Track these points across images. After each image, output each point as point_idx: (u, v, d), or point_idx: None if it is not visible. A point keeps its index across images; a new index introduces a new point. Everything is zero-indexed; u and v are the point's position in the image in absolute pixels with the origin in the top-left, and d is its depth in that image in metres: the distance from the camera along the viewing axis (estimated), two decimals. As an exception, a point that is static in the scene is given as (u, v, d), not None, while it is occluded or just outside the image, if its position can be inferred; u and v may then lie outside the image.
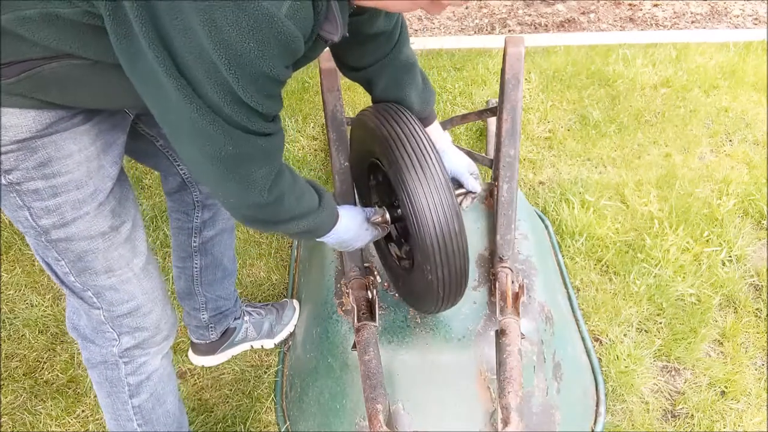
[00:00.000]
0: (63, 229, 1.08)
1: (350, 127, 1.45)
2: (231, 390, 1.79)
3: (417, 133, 1.21)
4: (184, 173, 1.47)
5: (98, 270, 1.14)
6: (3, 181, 1.02)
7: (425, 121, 1.39)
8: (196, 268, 1.64)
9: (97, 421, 1.71)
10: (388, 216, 1.33)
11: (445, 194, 1.17)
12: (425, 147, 1.19)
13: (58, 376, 1.83)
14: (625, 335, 1.88)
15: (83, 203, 1.07)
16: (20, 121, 0.96)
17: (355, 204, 1.53)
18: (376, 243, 1.51)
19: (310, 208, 1.13)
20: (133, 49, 0.81)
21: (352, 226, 1.26)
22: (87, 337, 1.26)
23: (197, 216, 1.56)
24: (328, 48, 1.34)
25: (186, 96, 0.83)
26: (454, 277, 1.23)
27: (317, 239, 1.22)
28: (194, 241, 1.60)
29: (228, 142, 0.90)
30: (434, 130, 1.41)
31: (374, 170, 1.41)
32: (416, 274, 1.30)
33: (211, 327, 1.77)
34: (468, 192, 1.39)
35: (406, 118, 1.25)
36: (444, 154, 1.39)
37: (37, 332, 1.95)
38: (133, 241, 1.18)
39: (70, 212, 1.07)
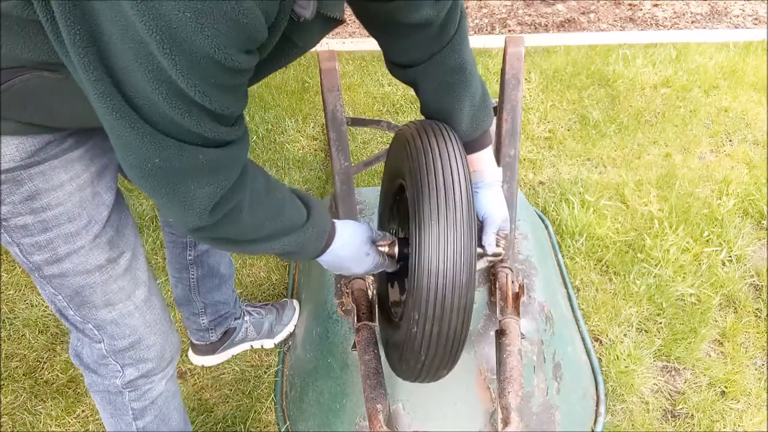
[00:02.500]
0: (56, 265, 1.00)
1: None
2: (231, 390, 1.79)
3: (451, 155, 1.01)
4: None
5: (97, 304, 1.07)
6: None
7: (475, 144, 1.15)
8: (192, 278, 1.62)
9: (97, 421, 1.71)
10: (396, 249, 1.15)
11: (464, 233, 0.96)
12: (456, 172, 0.99)
13: (58, 376, 1.83)
14: (625, 335, 1.88)
15: (77, 236, 0.98)
16: (3, 149, 0.87)
17: (356, 214, 1.45)
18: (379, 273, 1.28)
19: (293, 226, 0.97)
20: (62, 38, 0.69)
21: (351, 243, 1.08)
22: (90, 368, 1.21)
23: None
24: (328, 47, 1.32)
25: (98, 92, 0.68)
26: (443, 338, 1.01)
27: (307, 260, 1.08)
28: (189, 255, 1.57)
29: (153, 153, 0.73)
30: (485, 158, 1.17)
31: (400, 194, 1.23)
32: (403, 323, 1.09)
33: (211, 329, 1.77)
34: (483, 253, 1.13)
35: (446, 135, 1.05)
36: (484, 189, 1.15)
37: (37, 332, 1.95)
38: (134, 272, 1.10)
39: (62, 247, 0.98)
